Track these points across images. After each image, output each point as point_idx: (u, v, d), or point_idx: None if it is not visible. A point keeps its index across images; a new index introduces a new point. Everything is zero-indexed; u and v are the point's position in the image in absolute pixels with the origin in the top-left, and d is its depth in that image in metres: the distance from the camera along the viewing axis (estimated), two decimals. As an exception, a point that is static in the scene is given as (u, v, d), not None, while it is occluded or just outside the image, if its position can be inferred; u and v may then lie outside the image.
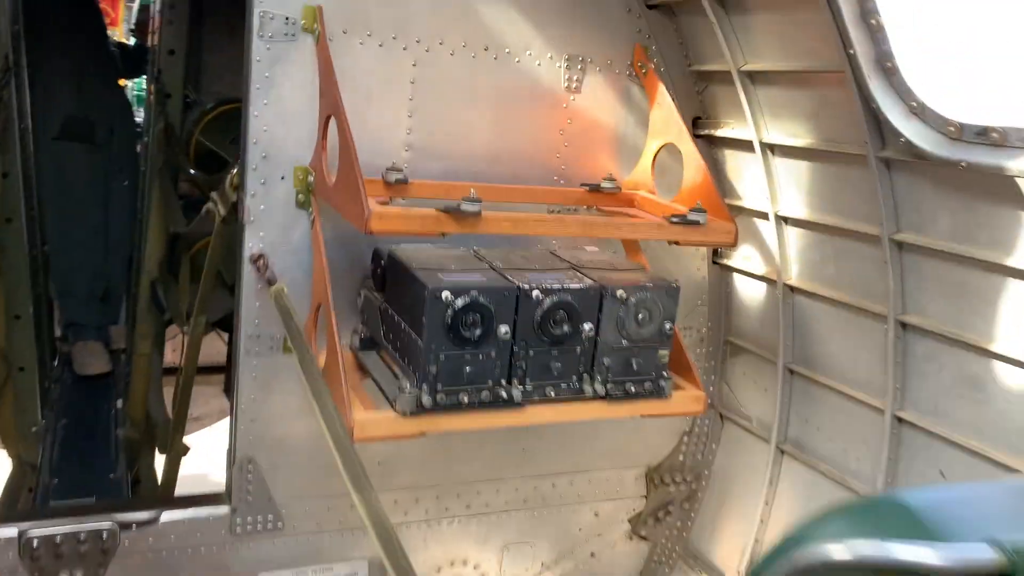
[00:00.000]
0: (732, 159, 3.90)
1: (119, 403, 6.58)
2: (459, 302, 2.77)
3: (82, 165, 6.78)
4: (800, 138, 3.42)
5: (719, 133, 3.85)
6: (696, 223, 3.07)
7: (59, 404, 6.72)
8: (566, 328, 2.94)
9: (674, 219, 3.07)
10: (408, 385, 2.84)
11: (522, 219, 2.84)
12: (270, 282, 3.15)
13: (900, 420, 3.30)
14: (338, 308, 3.38)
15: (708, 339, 4.26)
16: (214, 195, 3.71)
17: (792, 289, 3.75)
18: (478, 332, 2.81)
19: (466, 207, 2.72)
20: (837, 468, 3.63)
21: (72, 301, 7.11)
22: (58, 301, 7.12)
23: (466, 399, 2.87)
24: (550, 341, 2.94)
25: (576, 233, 2.99)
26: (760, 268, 3.88)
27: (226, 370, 6.47)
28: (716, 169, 3.96)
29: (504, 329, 2.84)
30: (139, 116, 8.69)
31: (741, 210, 3.88)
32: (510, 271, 3.03)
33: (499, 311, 2.83)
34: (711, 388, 4.31)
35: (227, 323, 5.73)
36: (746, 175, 3.84)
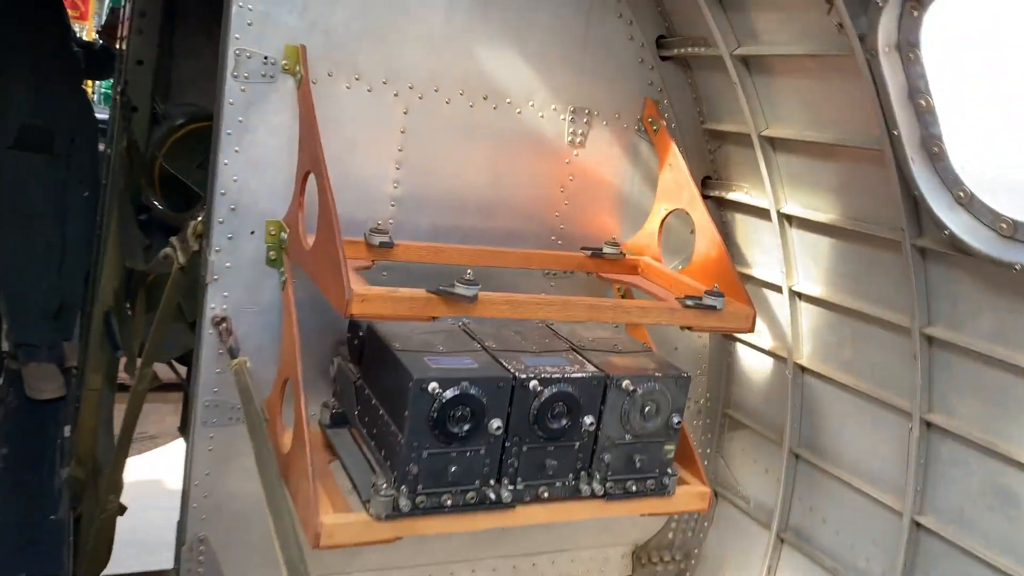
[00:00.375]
0: (743, 224, 3.62)
1: (67, 430, 6.16)
2: (448, 394, 2.44)
3: (39, 176, 6.34)
4: (822, 212, 3.14)
5: (731, 196, 3.57)
6: (712, 308, 2.77)
7: (3, 430, 6.28)
8: (564, 422, 2.63)
9: (688, 302, 2.77)
10: (384, 485, 2.50)
11: (522, 302, 2.53)
12: (232, 353, 2.79)
13: (918, 525, 3.02)
14: (308, 376, 3.04)
15: (706, 411, 3.97)
16: (174, 241, 3.35)
17: (803, 369, 3.47)
18: (467, 427, 2.49)
19: (461, 290, 2.40)
20: (843, 565, 3.35)
21: (24, 319, 6.66)
22: (7, 318, 6.67)
23: (449, 501, 2.54)
24: (546, 436, 2.63)
25: (581, 317, 2.68)
26: (768, 343, 3.60)
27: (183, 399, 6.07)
28: (724, 232, 3.68)
29: (496, 424, 2.52)
30: (104, 114, 8.23)
31: (750, 279, 3.60)
32: (503, 353, 2.71)
33: (492, 404, 2.51)
34: (706, 463, 4.02)
35: (185, 359, 5.35)
36: (758, 243, 3.56)
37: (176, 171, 4.70)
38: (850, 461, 3.32)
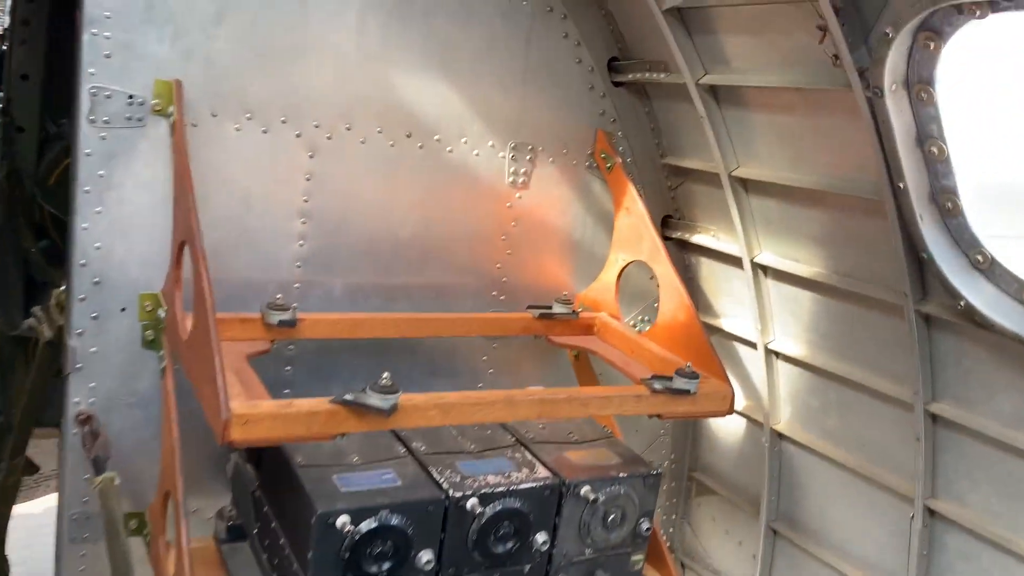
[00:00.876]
0: (710, 270, 3.18)
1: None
2: (363, 527, 1.94)
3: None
4: (804, 265, 2.71)
5: (695, 239, 3.12)
6: (685, 392, 2.31)
7: None
8: (512, 544, 2.15)
9: (656, 385, 2.30)
10: (286, 640, 1.99)
11: (455, 404, 2.03)
12: (96, 466, 2.24)
13: (920, 623, 2.62)
14: (203, 472, 2.53)
15: (670, 473, 3.53)
16: (37, 311, 2.77)
17: (780, 436, 3.05)
18: (388, 565, 1.99)
19: (375, 400, 1.89)
20: (832, 658, 2.94)
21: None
22: None
23: (369, 654, 2.03)
24: (489, 564, 2.14)
25: (531, 416, 2.20)
26: (740, 403, 3.16)
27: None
28: (687, 277, 3.23)
29: (426, 558, 2.02)
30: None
31: (718, 331, 3.17)
32: (435, 458, 2.21)
33: (419, 533, 2.01)
34: (671, 529, 3.59)
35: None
36: (728, 292, 3.12)
37: (60, 209, 4.05)
38: (837, 542, 2.91)
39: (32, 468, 3.40)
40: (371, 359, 2.79)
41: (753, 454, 3.19)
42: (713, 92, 2.67)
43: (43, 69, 5.07)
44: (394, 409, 1.90)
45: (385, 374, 1.92)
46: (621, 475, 2.29)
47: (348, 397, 1.88)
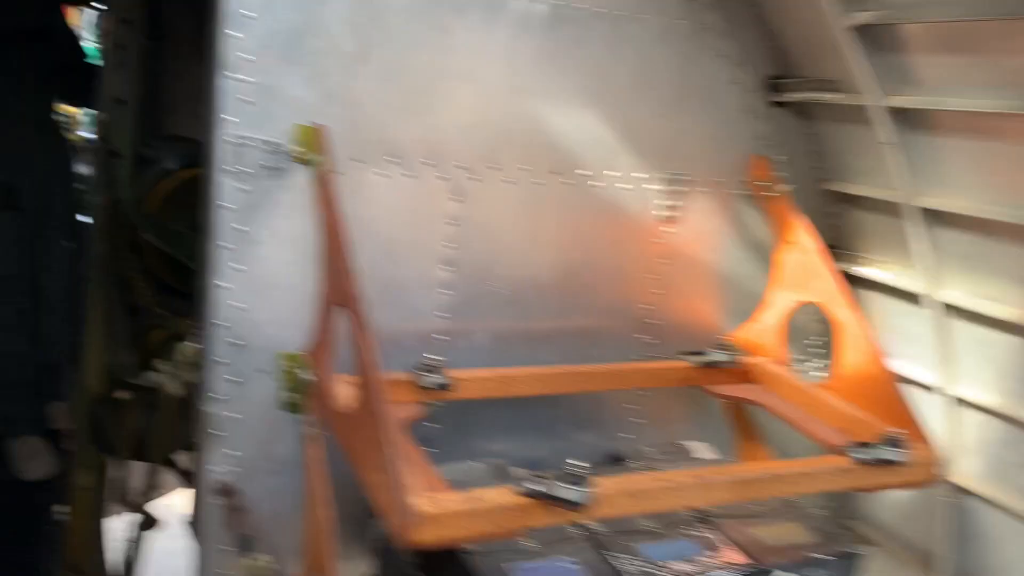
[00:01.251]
0: (876, 305, 2.88)
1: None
2: (550, 631, 1.72)
3: (3, 234, 5.55)
4: (1007, 307, 2.40)
5: (860, 271, 2.83)
6: (891, 462, 2.03)
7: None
8: (705, 641, 1.91)
9: (858, 454, 2.03)
10: None
11: (645, 489, 1.79)
12: (245, 545, 2.06)
13: None
14: (344, 525, 2.35)
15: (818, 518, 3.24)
16: (163, 367, 2.62)
17: (962, 490, 2.74)
18: (577, 671, 1.77)
19: (564, 493, 1.66)
20: None
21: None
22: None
23: None
24: (681, 663, 1.91)
25: (728, 500, 1.95)
26: (910, 451, 2.86)
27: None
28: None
29: (617, 661, 1.80)
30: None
31: (884, 371, 2.87)
32: (613, 540, 1.99)
33: (610, 635, 1.79)
34: (821, 581, 3.30)
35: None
36: (898, 330, 2.81)
37: (168, 243, 3.85)
38: (1036, 612, 2.60)
39: (150, 522, 3.28)
40: (512, 411, 2.58)
41: (924, 506, 2.89)
42: (895, 115, 2.38)
43: (139, 93, 4.95)
44: (588, 501, 1.67)
45: (577, 462, 1.69)
46: (821, 557, 2.03)
47: (538, 488, 1.66)
